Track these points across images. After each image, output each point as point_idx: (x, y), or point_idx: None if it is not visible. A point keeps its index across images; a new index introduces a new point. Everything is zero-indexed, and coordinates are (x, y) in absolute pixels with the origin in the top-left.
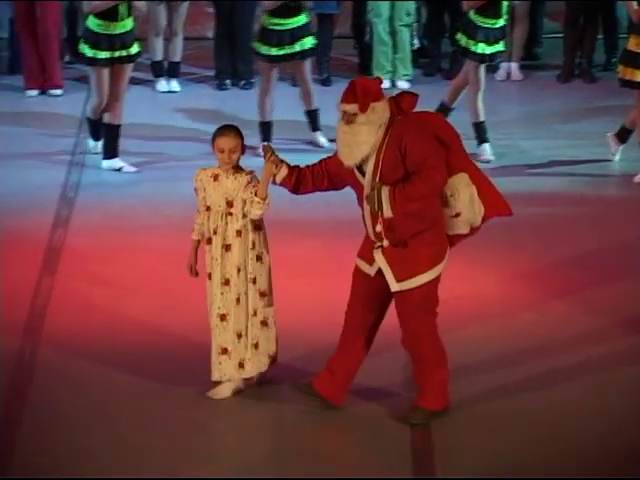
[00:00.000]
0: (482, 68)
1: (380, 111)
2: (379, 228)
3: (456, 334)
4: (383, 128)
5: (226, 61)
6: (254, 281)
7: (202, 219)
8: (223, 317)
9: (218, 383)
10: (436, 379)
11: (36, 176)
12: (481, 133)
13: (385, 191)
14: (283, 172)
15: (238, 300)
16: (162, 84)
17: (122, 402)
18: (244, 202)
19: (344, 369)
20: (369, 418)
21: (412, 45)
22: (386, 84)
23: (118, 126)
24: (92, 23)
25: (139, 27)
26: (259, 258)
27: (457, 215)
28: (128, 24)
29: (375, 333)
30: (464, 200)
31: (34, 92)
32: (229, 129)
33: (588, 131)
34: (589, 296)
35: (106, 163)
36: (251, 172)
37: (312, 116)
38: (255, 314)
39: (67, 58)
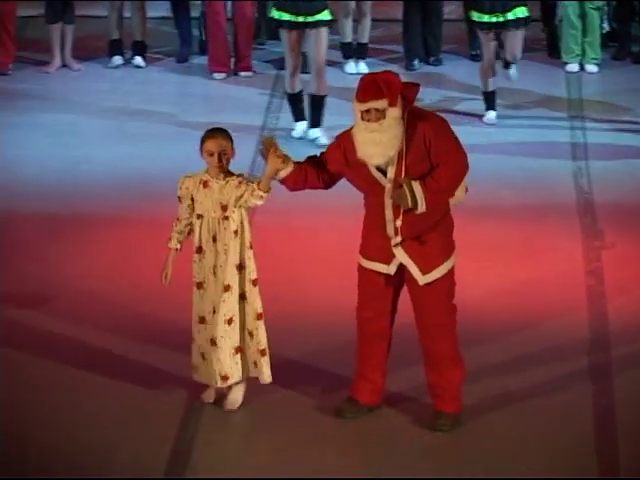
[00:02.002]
0: None
1: (401, 104)
2: (399, 223)
3: None
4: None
5: (416, 41)
6: (255, 283)
7: (182, 227)
8: (230, 321)
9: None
10: (455, 379)
11: None
12: None
13: (416, 186)
14: (289, 169)
15: (243, 296)
16: (351, 66)
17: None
18: (238, 198)
19: (381, 373)
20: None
21: (602, 28)
22: (574, 68)
23: (322, 97)
24: None
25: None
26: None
27: (451, 196)
28: None
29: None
30: None
31: (222, 75)
32: (218, 131)
33: None
34: None
35: (312, 132)
36: (240, 175)
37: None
38: (259, 318)
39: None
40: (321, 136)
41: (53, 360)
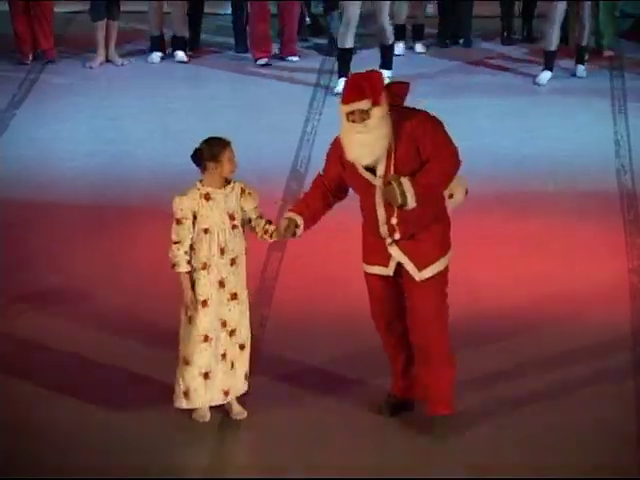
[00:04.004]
0: None
1: (386, 102)
2: (394, 220)
3: None
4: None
5: (448, 24)
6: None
7: (187, 248)
8: (232, 332)
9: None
10: (448, 378)
11: (267, 150)
12: None
13: (405, 182)
14: (299, 232)
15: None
16: (399, 48)
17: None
18: (254, 209)
19: (414, 369)
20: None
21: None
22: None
23: (388, 46)
24: None
25: None
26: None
27: (451, 196)
28: None
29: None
30: (454, 181)
31: (264, 60)
32: (225, 139)
33: None
34: None
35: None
36: (236, 181)
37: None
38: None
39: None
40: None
41: (95, 357)
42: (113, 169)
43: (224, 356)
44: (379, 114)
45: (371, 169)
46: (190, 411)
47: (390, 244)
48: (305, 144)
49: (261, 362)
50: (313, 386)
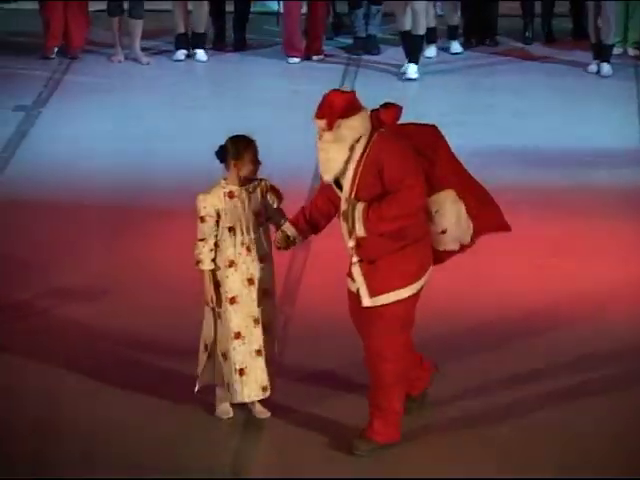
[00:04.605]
0: None
1: (350, 127)
2: (351, 243)
3: None
4: (363, 142)
5: (472, 24)
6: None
7: (212, 246)
8: (267, 329)
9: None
10: (390, 409)
11: (291, 149)
12: None
13: (359, 209)
14: (299, 241)
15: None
16: (431, 50)
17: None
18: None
19: (413, 365)
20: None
21: None
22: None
23: (417, 35)
24: None
25: None
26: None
27: (443, 232)
28: None
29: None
30: (450, 218)
31: (296, 60)
32: (249, 138)
33: None
34: None
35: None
36: (262, 179)
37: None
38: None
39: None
40: (411, 72)
41: (118, 354)
42: (137, 167)
43: (259, 352)
44: (329, 139)
45: (340, 185)
46: (214, 409)
47: (353, 264)
48: None
49: (285, 362)
50: (336, 387)
